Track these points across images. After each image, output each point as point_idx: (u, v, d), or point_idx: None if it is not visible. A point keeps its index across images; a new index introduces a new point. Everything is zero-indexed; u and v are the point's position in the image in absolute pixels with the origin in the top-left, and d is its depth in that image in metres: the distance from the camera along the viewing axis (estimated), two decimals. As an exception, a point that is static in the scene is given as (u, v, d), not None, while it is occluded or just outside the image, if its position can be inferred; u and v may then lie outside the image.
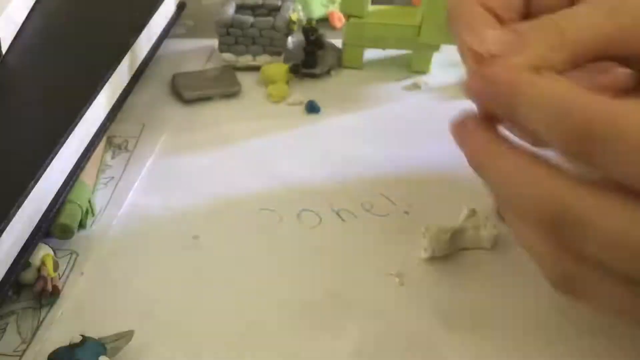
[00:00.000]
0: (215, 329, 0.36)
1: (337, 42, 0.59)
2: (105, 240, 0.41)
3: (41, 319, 0.36)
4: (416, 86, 0.56)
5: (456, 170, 0.47)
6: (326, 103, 0.54)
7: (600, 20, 0.28)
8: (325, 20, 0.65)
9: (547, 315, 0.36)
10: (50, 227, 0.40)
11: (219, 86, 0.55)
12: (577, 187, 0.24)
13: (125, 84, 0.50)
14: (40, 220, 0.38)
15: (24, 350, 0.34)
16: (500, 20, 0.31)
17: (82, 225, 0.42)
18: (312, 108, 0.48)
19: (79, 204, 0.41)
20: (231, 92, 0.55)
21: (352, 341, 0.35)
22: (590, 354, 0.34)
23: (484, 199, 0.44)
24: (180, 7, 0.62)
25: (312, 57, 0.57)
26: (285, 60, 0.58)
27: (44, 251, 0.38)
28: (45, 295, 0.37)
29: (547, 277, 0.28)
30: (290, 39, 0.61)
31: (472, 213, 0.40)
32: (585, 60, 0.28)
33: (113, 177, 0.47)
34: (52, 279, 0.37)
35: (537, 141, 0.28)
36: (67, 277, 0.39)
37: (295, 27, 0.59)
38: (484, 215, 0.41)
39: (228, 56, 0.58)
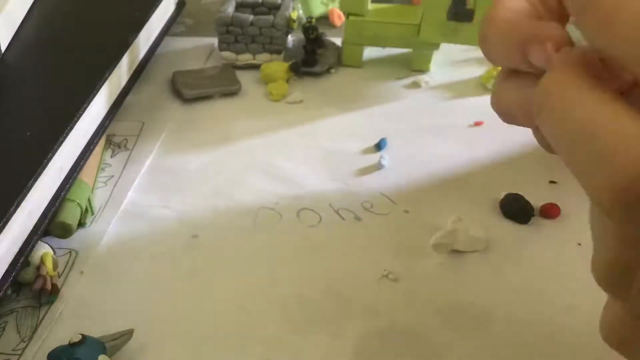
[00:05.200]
0: (214, 328, 0.36)
1: (337, 41, 0.59)
2: (105, 239, 0.41)
3: (40, 317, 0.36)
4: (416, 85, 0.56)
5: (456, 168, 0.47)
6: (326, 101, 0.54)
7: None
8: (325, 18, 0.66)
9: (546, 313, 0.36)
10: (49, 226, 0.40)
11: (219, 84, 0.55)
12: None
13: (124, 83, 0.50)
14: (39, 219, 0.38)
15: (24, 349, 0.34)
16: None
17: (81, 223, 0.42)
18: (381, 145, 0.48)
19: (78, 203, 0.41)
20: (231, 91, 0.55)
21: (352, 340, 0.35)
22: (589, 350, 0.34)
23: (481, 196, 0.44)
24: (180, 6, 0.62)
25: (312, 56, 0.57)
26: (285, 59, 0.58)
27: (43, 250, 0.38)
28: (45, 294, 0.37)
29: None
30: (290, 37, 0.61)
31: (459, 218, 0.41)
32: None
33: (112, 176, 0.47)
34: (51, 277, 0.37)
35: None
36: (67, 275, 0.39)
37: (295, 26, 0.59)
38: (470, 219, 0.41)
39: (228, 54, 0.58)
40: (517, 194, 0.43)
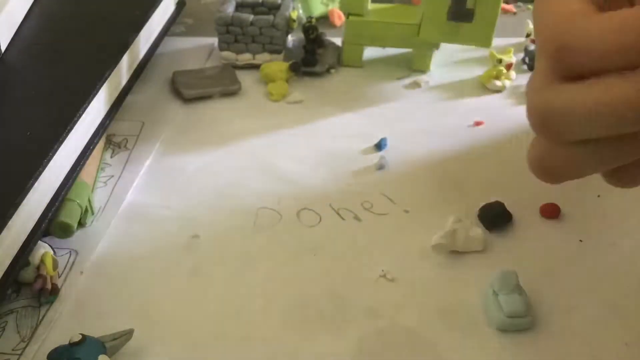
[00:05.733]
0: (214, 328, 0.36)
1: (337, 41, 0.59)
2: (105, 238, 0.41)
3: (40, 317, 0.36)
4: (416, 84, 0.56)
5: (456, 169, 0.47)
6: (326, 101, 0.54)
7: None
8: (325, 18, 0.66)
9: (546, 313, 0.36)
10: (49, 226, 0.40)
11: (219, 84, 0.55)
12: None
13: (124, 83, 0.50)
14: (39, 219, 0.38)
15: (23, 349, 0.34)
16: None
17: (81, 223, 0.42)
18: (381, 145, 0.48)
19: (78, 203, 0.41)
20: (231, 91, 0.55)
21: (352, 340, 0.35)
22: (589, 350, 0.34)
23: (480, 196, 0.44)
24: (180, 6, 0.62)
25: (312, 56, 0.57)
26: (285, 59, 0.58)
27: (43, 250, 0.38)
28: (45, 294, 0.37)
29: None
30: (290, 37, 0.61)
31: (458, 219, 0.41)
32: None
33: (112, 176, 0.47)
34: (51, 277, 0.37)
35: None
36: (67, 275, 0.39)
37: (295, 25, 0.59)
38: (470, 220, 0.41)
39: (228, 54, 0.58)
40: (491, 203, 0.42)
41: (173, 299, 0.37)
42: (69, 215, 0.40)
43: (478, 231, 0.40)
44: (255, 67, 0.58)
